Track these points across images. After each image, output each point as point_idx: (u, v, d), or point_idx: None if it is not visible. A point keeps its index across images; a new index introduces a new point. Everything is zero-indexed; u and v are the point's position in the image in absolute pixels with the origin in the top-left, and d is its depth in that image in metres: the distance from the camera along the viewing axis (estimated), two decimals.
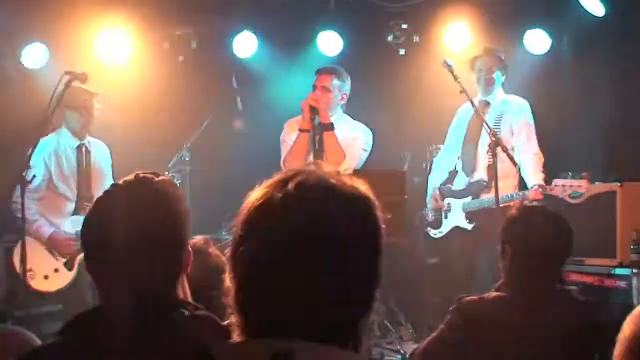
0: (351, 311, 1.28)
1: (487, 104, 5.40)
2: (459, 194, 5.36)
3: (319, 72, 5.28)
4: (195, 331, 1.72)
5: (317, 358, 1.23)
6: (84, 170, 5.22)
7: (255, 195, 1.32)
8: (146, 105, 6.22)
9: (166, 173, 5.08)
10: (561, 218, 2.86)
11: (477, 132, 5.32)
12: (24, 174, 4.54)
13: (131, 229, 1.73)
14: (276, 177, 1.33)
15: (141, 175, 1.84)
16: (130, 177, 1.84)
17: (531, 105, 5.42)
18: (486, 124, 4.93)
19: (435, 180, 5.57)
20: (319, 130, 5.06)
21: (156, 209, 1.78)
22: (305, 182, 1.30)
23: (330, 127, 5.06)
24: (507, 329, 2.61)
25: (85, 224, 1.80)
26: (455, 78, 5.07)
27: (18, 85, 5.99)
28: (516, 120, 5.33)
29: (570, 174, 4.81)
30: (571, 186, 4.75)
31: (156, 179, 1.83)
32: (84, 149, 5.26)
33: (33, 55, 6.06)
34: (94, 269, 1.79)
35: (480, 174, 5.28)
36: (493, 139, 4.78)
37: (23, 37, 6.05)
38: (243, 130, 6.35)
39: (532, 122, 5.36)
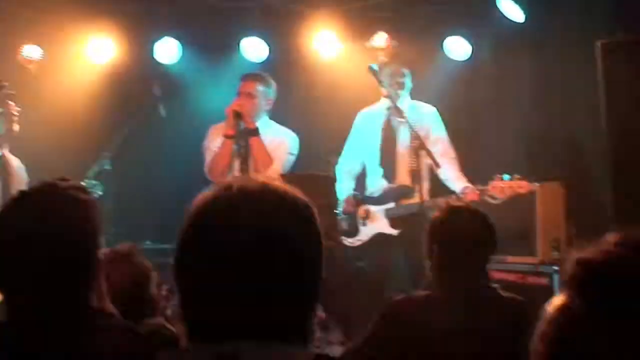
0: (300, 311, 1.27)
1: (399, 109, 5.47)
2: (378, 201, 5.32)
3: (243, 78, 5.26)
4: (111, 340, 1.65)
5: (264, 358, 1.21)
6: (5, 179, 5.03)
7: (199, 200, 1.31)
8: (64, 112, 6.07)
9: (86, 181, 4.94)
10: (486, 216, 2.91)
11: (394, 137, 5.37)
12: None
13: (36, 237, 1.65)
14: (216, 186, 1.33)
15: (49, 182, 1.77)
16: (38, 184, 1.78)
17: (441, 112, 5.50)
18: (411, 127, 4.98)
19: (345, 187, 5.48)
20: (243, 136, 5.03)
21: (64, 215, 1.70)
22: (248, 186, 1.29)
23: (255, 132, 5.02)
24: (435, 328, 2.63)
25: None
26: (380, 83, 5.15)
27: None
28: (431, 126, 5.39)
29: (509, 176, 4.85)
30: (510, 187, 4.79)
31: (64, 184, 1.76)
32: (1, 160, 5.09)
33: None
34: None
35: (402, 179, 5.31)
36: (416, 142, 4.86)
37: None
38: (166, 134, 6.24)
39: (443, 127, 5.44)
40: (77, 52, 6.32)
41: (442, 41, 6.44)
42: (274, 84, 5.27)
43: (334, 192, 5.27)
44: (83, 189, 1.84)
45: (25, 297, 1.64)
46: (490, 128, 6.48)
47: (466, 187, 5.04)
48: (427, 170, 5.20)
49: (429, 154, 4.81)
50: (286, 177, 4.72)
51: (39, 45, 6.14)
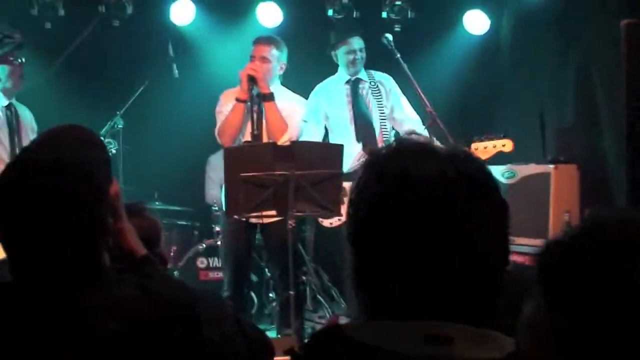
0: (490, 290, 1.18)
1: (359, 80, 5.47)
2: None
3: (257, 41, 5.13)
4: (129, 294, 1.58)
5: (478, 343, 1.12)
6: (14, 130, 5.04)
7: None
8: (78, 69, 6.05)
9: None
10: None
11: (367, 113, 5.40)
12: None
13: (48, 191, 1.53)
14: None
15: (61, 131, 1.67)
16: (49, 134, 1.69)
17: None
18: (422, 95, 5.00)
19: None
20: (257, 101, 4.97)
21: (75, 169, 1.57)
22: None
23: (270, 97, 4.95)
24: None
25: None
26: (394, 53, 5.11)
27: None
28: (393, 94, 5.46)
29: (484, 135, 4.79)
30: (494, 146, 4.73)
31: (76, 134, 1.66)
32: (13, 108, 5.10)
33: None
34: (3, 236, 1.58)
35: None
36: (432, 113, 4.86)
37: None
38: (179, 95, 6.22)
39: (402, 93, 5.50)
40: (94, 11, 6.26)
41: (462, 14, 6.37)
42: (286, 49, 5.19)
43: (341, 162, 5.23)
44: (89, 131, 1.73)
45: (35, 255, 1.55)
46: (506, 105, 6.42)
47: None
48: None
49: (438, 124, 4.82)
50: (296, 144, 4.67)
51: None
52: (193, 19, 6.37)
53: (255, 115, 4.95)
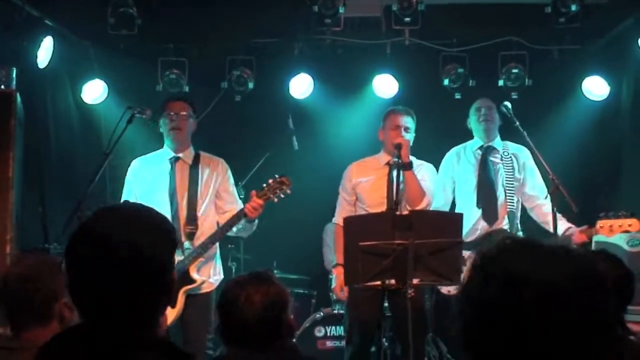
0: None
1: (493, 149, 5.40)
2: (474, 245, 5.20)
3: (396, 111, 5.27)
4: None
5: None
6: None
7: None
8: (200, 143, 6.32)
9: None
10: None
11: (492, 180, 5.34)
12: None
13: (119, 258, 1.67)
14: None
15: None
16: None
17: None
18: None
19: None
20: (397, 169, 4.99)
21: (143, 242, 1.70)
22: None
23: (410, 166, 5.03)
24: None
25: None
26: (513, 122, 5.09)
27: None
28: (526, 168, 5.37)
29: (611, 213, 4.68)
30: (620, 226, 4.61)
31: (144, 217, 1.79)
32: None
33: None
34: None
35: (503, 221, 5.22)
36: (555, 181, 4.79)
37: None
38: (298, 165, 6.38)
39: (536, 167, 5.37)
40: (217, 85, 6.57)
41: (580, 81, 6.30)
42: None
43: (460, 231, 5.19)
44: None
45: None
46: (628, 170, 6.24)
47: (569, 228, 4.87)
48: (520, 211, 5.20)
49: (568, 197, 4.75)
50: (416, 213, 4.68)
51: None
52: (311, 92, 6.56)
53: (396, 182, 5.01)
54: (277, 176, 4.91)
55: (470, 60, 6.39)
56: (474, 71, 6.41)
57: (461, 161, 5.53)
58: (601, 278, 1.20)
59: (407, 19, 6.05)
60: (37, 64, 5.64)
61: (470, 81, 6.41)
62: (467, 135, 6.60)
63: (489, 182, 5.35)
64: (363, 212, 5.09)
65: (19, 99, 5.11)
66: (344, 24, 6.18)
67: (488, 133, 5.42)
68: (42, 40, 5.66)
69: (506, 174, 5.28)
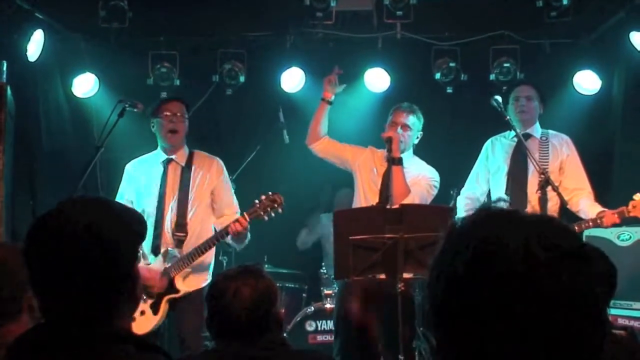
0: None
1: (529, 136, 5.35)
2: None
3: (398, 108, 5.29)
4: None
5: None
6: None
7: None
8: (192, 137, 6.32)
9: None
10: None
11: (523, 167, 5.27)
12: None
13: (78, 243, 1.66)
14: None
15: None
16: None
17: (580, 146, 5.37)
18: (534, 161, 4.91)
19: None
20: (387, 163, 5.08)
21: (109, 231, 1.70)
22: None
23: (398, 162, 5.06)
24: None
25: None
26: (503, 116, 5.09)
27: None
28: (565, 157, 5.28)
29: None
30: None
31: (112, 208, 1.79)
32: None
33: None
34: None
35: (532, 208, 5.19)
36: (542, 176, 4.77)
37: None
38: (289, 160, 6.38)
39: (577, 156, 5.31)
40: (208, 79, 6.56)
41: (571, 75, 6.31)
42: (422, 119, 5.32)
43: None
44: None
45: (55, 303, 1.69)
46: (619, 164, 6.26)
47: (602, 212, 4.86)
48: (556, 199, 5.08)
49: (557, 191, 4.70)
50: (406, 207, 4.69)
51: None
52: (302, 85, 6.55)
53: (385, 177, 5.09)
54: (270, 193, 4.87)
55: (461, 54, 6.38)
56: (466, 65, 6.40)
57: (496, 150, 5.51)
58: (588, 255, 1.13)
59: (399, 13, 6.05)
60: (27, 57, 5.62)
61: (462, 75, 6.40)
62: (459, 130, 6.64)
63: (520, 170, 5.30)
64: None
65: (9, 92, 5.10)
66: (335, 18, 6.18)
67: (524, 123, 5.35)
68: (32, 34, 5.63)
69: (541, 162, 5.18)
